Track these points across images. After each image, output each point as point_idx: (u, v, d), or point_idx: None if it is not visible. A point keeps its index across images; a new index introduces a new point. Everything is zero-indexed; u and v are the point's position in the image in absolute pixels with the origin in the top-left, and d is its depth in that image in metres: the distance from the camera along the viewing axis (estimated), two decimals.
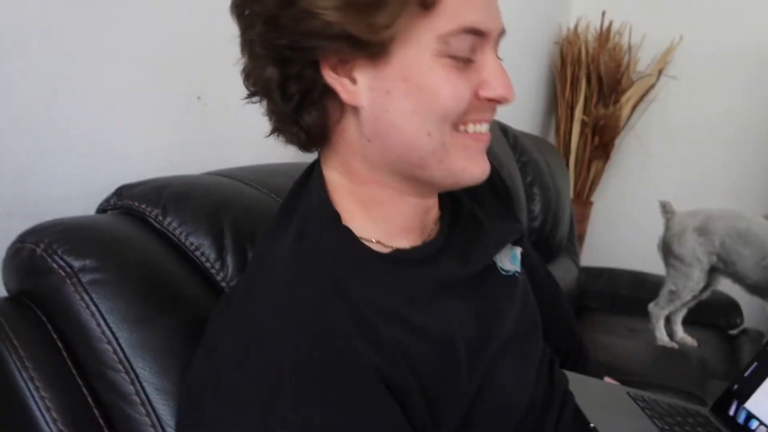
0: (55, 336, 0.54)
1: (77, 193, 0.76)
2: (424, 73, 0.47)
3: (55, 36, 0.71)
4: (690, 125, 2.26)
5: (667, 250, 1.43)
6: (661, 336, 1.36)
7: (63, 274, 0.54)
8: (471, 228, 0.59)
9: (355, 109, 0.50)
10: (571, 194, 2.32)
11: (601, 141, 2.24)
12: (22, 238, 0.58)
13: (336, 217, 0.52)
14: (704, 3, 2.21)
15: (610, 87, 2.21)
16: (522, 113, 2.23)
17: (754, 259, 1.30)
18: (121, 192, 0.66)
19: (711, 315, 1.61)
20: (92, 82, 0.76)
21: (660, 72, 2.25)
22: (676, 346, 1.36)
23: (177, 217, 0.63)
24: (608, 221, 2.39)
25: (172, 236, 0.62)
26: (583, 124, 2.26)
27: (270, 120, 0.54)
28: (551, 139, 2.44)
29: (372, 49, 0.47)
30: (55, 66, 0.72)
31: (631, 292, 1.73)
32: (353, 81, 0.48)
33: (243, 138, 1.00)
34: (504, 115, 2.04)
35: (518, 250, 0.63)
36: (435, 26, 0.47)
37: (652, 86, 2.25)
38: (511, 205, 0.69)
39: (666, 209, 1.48)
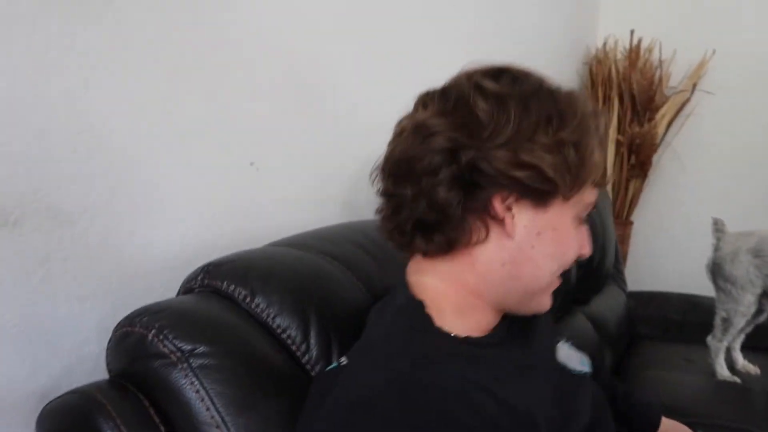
0: (157, 420, 0.55)
1: (151, 265, 0.78)
2: (567, 228, 0.58)
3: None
4: (729, 139, 2.22)
5: (717, 271, 1.39)
6: (722, 371, 1.33)
7: (174, 358, 0.56)
8: (521, 321, 0.65)
9: (506, 238, 0.57)
10: (611, 215, 2.29)
11: (638, 160, 2.21)
12: (131, 322, 0.60)
13: (428, 319, 0.57)
14: (735, 15, 2.18)
15: (644, 104, 2.18)
16: None
17: None
18: (209, 270, 0.68)
19: None
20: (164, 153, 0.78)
21: (694, 86, 2.21)
22: (738, 380, 1.31)
23: (264, 299, 0.65)
24: (650, 241, 2.34)
25: (260, 318, 0.64)
26: (618, 143, 2.23)
27: (400, 225, 0.59)
28: None
29: (544, 198, 0.56)
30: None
31: (683, 317, 1.69)
32: (513, 215, 0.56)
33: (294, 200, 1.02)
34: None
35: (586, 356, 0.70)
36: (586, 196, 0.59)
37: (687, 101, 2.22)
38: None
39: (718, 227, 1.44)
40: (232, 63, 0.88)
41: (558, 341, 0.69)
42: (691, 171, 2.30)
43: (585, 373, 0.68)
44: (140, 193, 0.77)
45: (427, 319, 0.57)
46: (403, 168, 0.57)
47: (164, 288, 0.80)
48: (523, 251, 0.57)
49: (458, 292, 0.59)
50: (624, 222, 2.30)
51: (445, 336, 0.56)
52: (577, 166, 0.54)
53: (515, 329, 0.63)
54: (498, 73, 0.57)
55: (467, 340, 0.58)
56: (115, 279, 0.76)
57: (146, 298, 0.78)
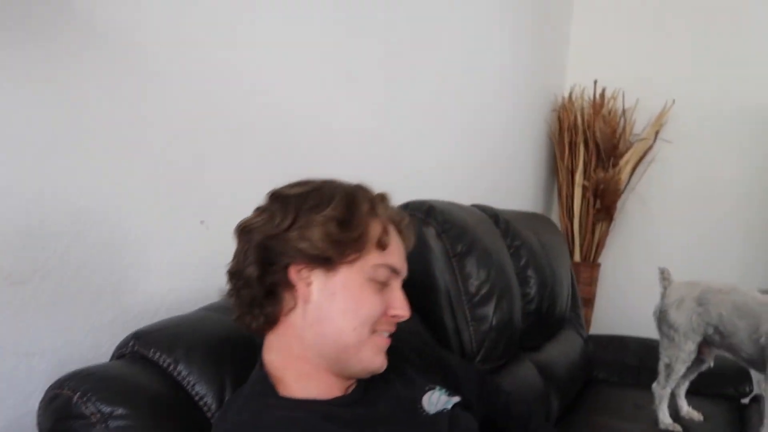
0: None
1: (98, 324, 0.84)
2: (358, 287, 0.69)
3: None
4: (691, 185, 2.30)
5: (662, 318, 1.45)
6: (664, 418, 1.37)
7: (93, 420, 0.63)
8: (378, 382, 0.74)
9: (306, 302, 0.68)
10: (578, 257, 2.36)
11: (603, 204, 2.28)
12: (60, 385, 0.67)
13: (271, 388, 0.68)
14: (694, 67, 2.28)
15: (608, 151, 2.26)
16: (524, 179, 2.30)
17: (748, 332, 1.31)
18: (138, 337, 0.74)
19: (719, 384, 1.61)
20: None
21: (656, 134, 2.30)
22: (680, 429, 1.36)
23: (186, 368, 0.72)
24: (617, 283, 2.40)
25: (182, 385, 0.71)
26: (584, 188, 2.31)
27: (238, 309, 0.71)
28: (554, 204, 2.49)
29: (331, 265, 0.68)
30: None
31: (639, 362, 1.73)
32: (309, 282, 0.68)
33: None
34: (508, 185, 2.12)
35: (456, 397, 0.77)
36: (373, 259, 0.69)
37: (650, 148, 2.31)
38: (440, 364, 0.87)
39: (664, 276, 1.51)
40: (183, 132, 0.96)
41: (428, 390, 0.76)
42: (656, 215, 2.37)
43: (443, 410, 0.74)
44: (92, 254, 0.84)
45: (270, 388, 0.68)
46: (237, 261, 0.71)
47: (110, 344, 0.86)
48: (322, 310, 0.68)
49: (290, 361, 0.69)
50: (591, 264, 2.36)
51: (284, 400, 0.67)
52: (345, 239, 0.67)
53: (373, 390, 0.72)
54: (295, 183, 0.73)
55: (309, 402, 0.68)
56: (63, 336, 0.83)
57: (92, 355, 0.85)
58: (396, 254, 0.72)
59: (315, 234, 0.67)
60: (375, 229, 0.70)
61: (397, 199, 1.39)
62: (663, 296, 1.47)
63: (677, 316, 1.41)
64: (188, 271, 0.99)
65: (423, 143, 1.64)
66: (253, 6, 1.07)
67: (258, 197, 1.09)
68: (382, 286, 0.70)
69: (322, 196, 0.70)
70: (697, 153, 2.27)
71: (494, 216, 1.47)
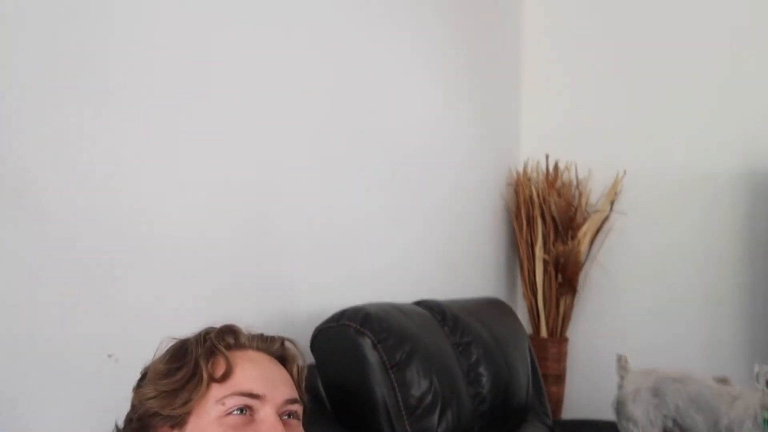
0: None
1: None
2: (211, 428, 0.68)
3: None
4: (650, 254, 2.28)
5: (620, 411, 1.40)
6: None
7: None
8: None
9: None
10: (545, 333, 2.31)
11: (565, 277, 2.25)
12: None
13: None
14: (643, 136, 2.31)
15: (564, 224, 2.25)
16: (484, 256, 2.27)
17: (707, 426, 1.26)
18: None
19: None
20: None
21: (612, 205, 2.30)
22: None
23: None
24: (587, 357, 2.34)
25: None
26: (545, 262, 2.28)
27: None
28: (518, 279, 2.46)
29: (173, 421, 0.69)
30: None
31: None
32: None
33: None
34: (468, 264, 2.10)
35: None
36: (215, 394, 0.69)
37: (606, 218, 2.30)
38: None
39: (621, 365, 1.47)
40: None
41: None
42: (620, 285, 2.35)
43: None
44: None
45: None
46: None
47: None
48: None
49: None
50: (559, 340, 2.31)
51: None
52: (172, 386, 0.69)
53: None
54: None
55: None
56: None
57: None
58: (249, 379, 0.70)
59: (148, 392, 0.70)
60: (212, 364, 0.70)
61: (344, 300, 1.36)
62: (620, 386, 1.43)
63: (634, 409, 1.36)
64: (95, 408, 0.93)
65: (371, 238, 1.62)
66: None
67: (172, 323, 1.05)
68: (247, 419, 0.69)
69: (164, 354, 0.73)
70: (653, 221, 2.27)
71: (441, 313, 1.43)
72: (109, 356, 0.96)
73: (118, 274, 0.98)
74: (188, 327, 1.06)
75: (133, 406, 0.73)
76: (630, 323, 2.30)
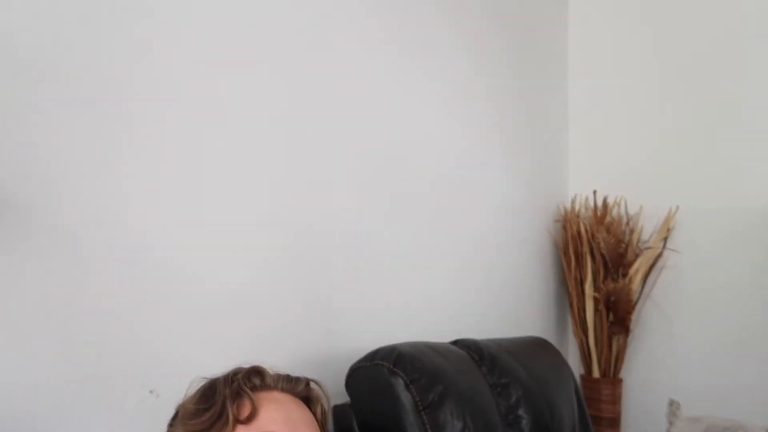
0: None
1: None
2: None
3: None
4: (709, 292, 2.18)
5: None
6: None
7: None
8: None
9: None
10: (597, 373, 2.23)
11: (617, 316, 2.19)
12: None
13: None
14: (696, 170, 2.23)
15: (614, 261, 2.20)
16: (531, 291, 2.24)
17: None
18: None
19: None
20: None
21: (665, 241, 2.23)
22: None
23: None
24: (643, 399, 2.25)
25: None
26: (596, 300, 2.23)
27: None
28: (567, 317, 2.40)
29: None
30: None
31: None
32: None
33: None
34: (512, 297, 2.08)
35: None
36: None
37: (660, 255, 2.23)
38: None
39: (672, 410, 1.41)
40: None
41: None
42: (676, 323, 2.25)
43: None
44: None
45: None
46: None
47: None
48: None
49: None
50: (613, 381, 2.23)
51: None
52: (199, 427, 0.73)
53: None
54: None
55: None
56: None
57: None
58: (273, 421, 0.74)
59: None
60: (237, 405, 0.74)
61: (383, 337, 1.38)
62: None
63: None
64: None
65: (413, 274, 1.64)
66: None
67: (212, 359, 1.10)
68: None
69: (194, 394, 0.78)
70: (709, 259, 2.18)
71: (478, 352, 1.42)
72: (151, 392, 1.02)
73: (160, 310, 1.04)
74: (227, 364, 1.11)
75: None
76: (687, 365, 2.19)
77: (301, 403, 0.80)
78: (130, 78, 1.00)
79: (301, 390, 0.80)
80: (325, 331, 1.36)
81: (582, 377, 2.28)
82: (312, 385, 0.82)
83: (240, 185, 1.18)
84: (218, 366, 1.07)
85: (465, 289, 1.84)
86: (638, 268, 2.21)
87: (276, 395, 0.78)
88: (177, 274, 1.07)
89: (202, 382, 0.81)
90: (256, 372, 0.80)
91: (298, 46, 1.31)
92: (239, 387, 0.76)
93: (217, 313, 1.13)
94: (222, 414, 0.73)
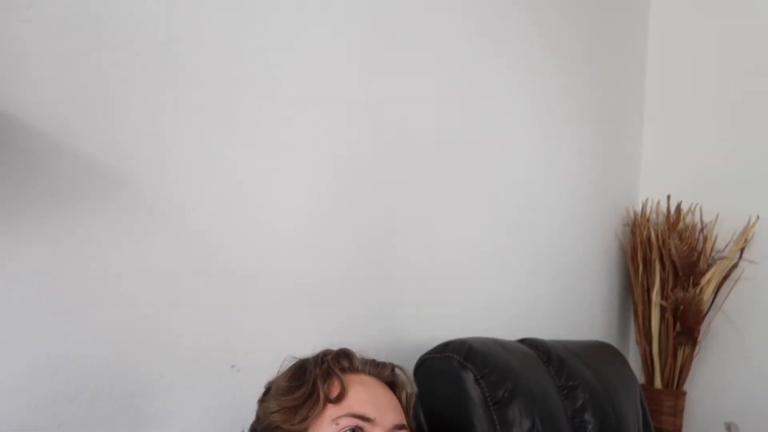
0: None
1: None
2: None
3: None
4: None
5: None
6: None
7: None
8: None
9: None
10: (659, 384, 2.17)
11: (684, 326, 2.11)
12: None
13: None
14: None
15: (686, 269, 2.12)
16: (596, 298, 2.19)
17: None
18: None
19: None
20: None
21: (741, 252, 2.14)
22: None
23: None
24: (707, 414, 2.17)
25: None
26: (663, 308, 2.16)
27: None
28: (630, 324, 2.34)
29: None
30: None
31: None
32: None
33: None
34: (578, 304, 2.04)
35: None
36: (331, 414, 0.75)
37: (735, 266, 2.14)
38: None
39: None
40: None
41: None
42: (749, 338, 2.16)
43: None
44: (115, 407, 0.89)
45: None
46: None
47: None
48: None
49: None
50: (675, 393, 2.16)
51: None
52: (293, 403, 0.76)
53: None
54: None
55: None
56: None
57: None
58: (361, 402, 0.76)
59: (271, 407, 0.77)
60: (327, 385, 0.77)
61: (449, 332, 1.39)
62: None
63: None
64: (216, 419, 1.02)
65: (479, 271, 1.63)
66: None
67: (289, 341, 1.12)
68: None
69: (286, 372, 0.81)
70: None
71: (546, 353, 1.40)
72: (232, 367, 1.05)
73: (246, 292, 1.07)
74: (303, 346, 1.14)
75: (258, 417, 0.80)
76: (756, 383, 2.10)
77: (386, 387, 0.81)
78: (228, 71, 1.03)
79: (387, 375, 0.82)
80: (393, 325, 1.37)
81: (643, 387, 2.22)
82: (397, 370, 0.84)
83: (320, 182, 1.20)
84: (296, 347, 1.10)
85: (531, 290, 1.82)
86: (711, 278, 2.13)
87: (364, 378, 0.79)
88: (269, 255, 1.11)
89: (293, 362, 0.83)
90: (345, 354, 0.82)
91: (379, 41, 1.32)
92: (329, 368, 0.78)
93: (297, 297, 1.16)
94: (313, 392, 0.75)
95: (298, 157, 1.15)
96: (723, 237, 2.19)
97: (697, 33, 2.34)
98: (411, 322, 1.41)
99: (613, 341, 2.30)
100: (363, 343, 1.29)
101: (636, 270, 2.23)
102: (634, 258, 2.25)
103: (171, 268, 0.96)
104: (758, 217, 2.11)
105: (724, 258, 2.13)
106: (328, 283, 1.22)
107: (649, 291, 2.20)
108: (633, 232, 2.28)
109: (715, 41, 2.29)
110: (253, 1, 1.06)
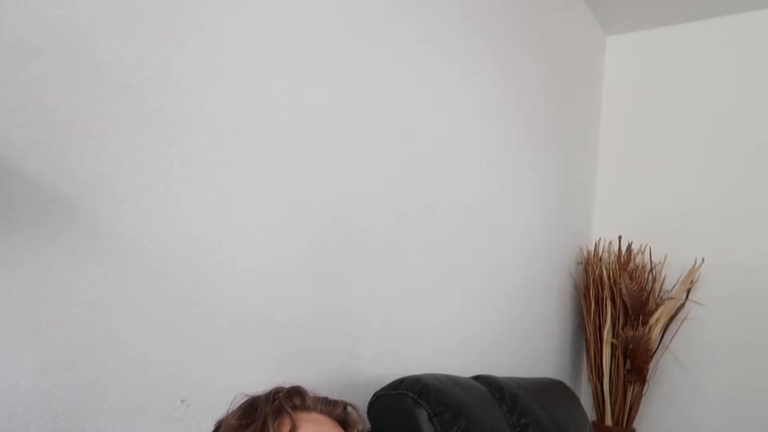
0: None
1: None
2: None
3: None
4: (730, 346, 2.17)
5: None
6: None
7: None
8: None
9: None
10: (609, 421, 2.21)
11: (634, 364, 2.17)
12: None
13: None
14: (724, 223, 2.24)
15: (635, 309, 2.19)
16: (549, 332, 2.23)
17: None
18: None
19: None
20: None
21: (688, 293, 2.22)
22: None
23: None
24: None
25: None
26: (613, 346, 2.22)
27: None
28: (582, 360, 2.39)
29: None
30: None
31: None
32: None
33: None
34: (530, 337, 2.07)
35: None
36: None
37: (682, 306, 2.22)
38: None
39: None
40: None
41: None
42: (694, 376, 2.23)
43: None
44: None
45: None
46: None
47: None
48: None
49: None
50: (625, 430, 2.20)
51: None
52: None
53: None
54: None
55: None
56: None
57: None
58: None
59: None
60: (278, 423, 0.76)
61: (405, 368, 1.38)
62: None
63: None
64: None
65: (435, 308, 1.65)
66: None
67: (242, 377, 1.11)
68: None
69: (236, 409, 0.79)
70: (733, 313, 2.17)
71: (499, 390, 1.42)
72: (183, 401, 1.03)
73: (201, 326, 1.06)
74: (255, 380, 1.12)
75: None
76: (702, 420, 2.17)
77: (338, 425, 0.81)
78: (182, 97, 1.03)
79: (339, 413, 0.81)
80: (349, 361, 1.37)
81: (593, 424, 2.26)
82: (349, 409, 0.83)
83: (270, 201, 1.20)
84: (249, 381, 1.08)
85: (488, 327, 1.85)
86: (659, 317, 2.20)
87: (315, 416, 0.79)
88: (221, 288, 1.09)
89: (244, 399, 0.82)
90: (297, 392, 0.81)
91: (328, 58, 1.34)
92: (280, 405, 0.78)
93: (251, 331, 1.15)
94: (263, 431, 0.75)
95: (258, 195, 1.15)
96: (671, 278, 2.28)
97: (648, 87, 2.47)
98: (368, 358, 1.41)
99: (566, 378, 2.34)
100: (319, 379, 1.28)
101: (588, 308, 2.29)
102: (586, 296, 2.31)
103: (126, 299, 0.94)
104: (703, 260, 2.20)
105: (671, 298, 2.20)
106: (287, 318, 1.21)
107: (600, 329, 2.26)
108: (586, 271, 2.35)
109: (664, 96, 2.42)
110: (184, 37, 1.07)
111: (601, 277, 2.27)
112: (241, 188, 1.12)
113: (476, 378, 1.46)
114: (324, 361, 1.29)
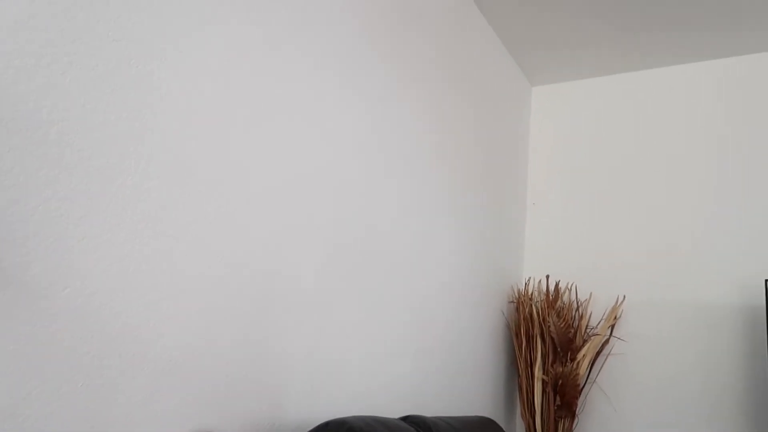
0: None
1: None
2: None
3: None
4: (652, 379, 2.28)
5: None
6: None
7: None
8: None
9: None
10: None
11: (564, 400, 2.24)
12: None
13: None
14: (643, 265, 2.37)
15: (563, 345, 2.28)
16: (482, 370, 2.28)
17: None
18: None
19: None
20: None
21: (611, 329, 2.33)
22: None
23: None
24: None
25: None
26: (544, 382, 2.28)
27: None
28: (516, 397, 2.45)
29: None
30: None
31: None
32: None
33: None
34: (463, 375, 2.12)
35: None
36: None
37: (606, 342, 2.32)
38: None
39: None
40: None
41: None
42: (621, 410, 2.32)
43: None
44: None
45: None
46: None
47: None
48: None
49: None
50: None
51: None
52: None
53: None
54: None
55: None
56: None
57: None
58: None
59: None
60: None
61: (333, 409, 1.39)
62: None
63: None
64: None
65: (363, 348, 1.67)
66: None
67: (161, 426, 1.10)
68: None
69: None
70: (653, 348, 2.28)
71: (428, 430, 1.44)
72: None
73: (121, 373, 1.05)
74: (179, 427, 1.12)
75: None
76: None
77: None
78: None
79: None
80: (276, 401, 1.37)
81: None
82: None
83: (213, 258, 1.22)
84: (172, 429, 1.07)
85: (420, 367, 1.88)
86: (585, 353, 2.29)
87: None
88: (141, 334, 1.09)
89: None
90: None
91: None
92: None
93: (172, 377, 1.14)
94: None
95: (182, 241, 1.17)
96: (596, 315, 2.39)
97: (572, 134, 2.63)
98: (294, 401, 1.41)
99: (501, 415, 2.39)
100: (245, 425, 1.28)
101: (520, 345, 2.36)
102: (518, 334, 2.38)
103: (35, 350, 0.93)
104: (625, 297, 2.32)
105: (597, 334, 2.30)
106: (208, 361, 1.21)
107: (532, 366, 2.33)
108: (517, 310, 2.43)
109: (587, 143, 2.58)
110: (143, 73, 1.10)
111: (531, 315, 2.35)
112: (168, 234, 1.13)
113: (405, 418, 1.48)
114: (249, 408, 1.29)
